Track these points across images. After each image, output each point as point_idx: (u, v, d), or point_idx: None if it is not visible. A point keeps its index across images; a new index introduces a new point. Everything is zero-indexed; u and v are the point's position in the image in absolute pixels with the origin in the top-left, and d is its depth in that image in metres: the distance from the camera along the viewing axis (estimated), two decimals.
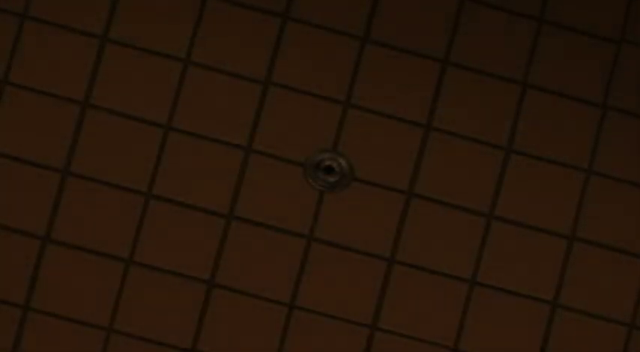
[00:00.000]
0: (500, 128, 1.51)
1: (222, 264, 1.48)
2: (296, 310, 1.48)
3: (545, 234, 1.51)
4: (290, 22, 1.51)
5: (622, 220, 1.52)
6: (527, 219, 1.51)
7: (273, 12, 1.51)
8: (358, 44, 1.51)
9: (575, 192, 1.52)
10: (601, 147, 1.53)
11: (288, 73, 1.50)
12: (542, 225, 1.51)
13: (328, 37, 1.51)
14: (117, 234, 1.47)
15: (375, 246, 1.49)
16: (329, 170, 1.49)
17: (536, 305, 1.51)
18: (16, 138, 1.47)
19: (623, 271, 1.52)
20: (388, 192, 1.49)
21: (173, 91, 1.50)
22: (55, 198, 1.47)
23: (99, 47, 1.50)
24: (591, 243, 1.52)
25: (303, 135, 1.49)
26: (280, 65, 1.50)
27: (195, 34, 1.51)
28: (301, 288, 1.48)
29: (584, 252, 1.52)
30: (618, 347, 1.52)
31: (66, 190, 1.48)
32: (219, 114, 1.49)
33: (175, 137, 1.49)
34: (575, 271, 1.52)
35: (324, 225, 1.49)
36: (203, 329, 1.47)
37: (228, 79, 1.50)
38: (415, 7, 1.51)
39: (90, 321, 1.46)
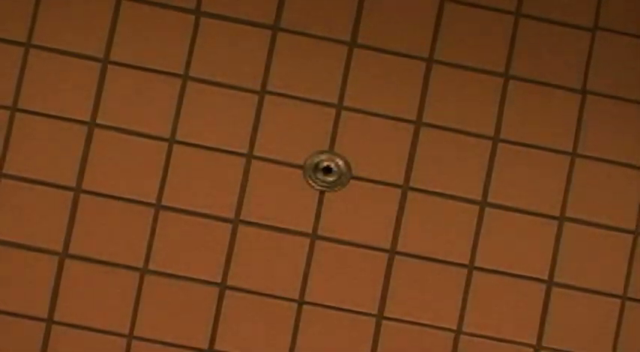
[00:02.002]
0: (486, 119, 1.50)
1: (232, 267, 1.46)
2: (305, 305, 1.46)
3: (536, 217, 1.50)
4: (280, 33, 1.49)
5: (608, 197, 1.51)
6: (518, 203, 1.49)
7: (264, 24, 1.48)
8: (346, 49, 1.49)
9: (562, 174, 1.50)
10: (583, 130, 1.51)
11: (281, 81, 1.48)
12: (533, 208, 1.50)
13: (317, 44, 1.49)
14: (130, 245, 1.45)
15: (376, 239, 1.48)
16: (327, 170, 1.47)
17: (532, 284, 1.49)
18: (29, 162, 1.45)
19: (612, 247, 1.50)
20: (385, 187, 1.49)
21: (174, 106, 1.47)
22: (69, 215, 1.45)
23: (101, 69, 1.47)
24: (580, 222, 1.50)
25: (300, 139, 1.48)
26: (274, 74, 1.48)
27: (192, 51, 1.48)
28: (309, 284, 1.47)
29: (574, 230, 1.50)
30: (613, 318, 1.50)
31: (79, 207, 1.45)
32: (219, 125, 1.47)
33: (180, 150, 1.47)
34: (567, 249, 1.50)
35: (327, 223, 1.48)
36: (219, 329, 1.45)
37: (226, 91, 1.48)
38: (398, 11, 1.50)
39: (111, 329, 1.44)
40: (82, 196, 1.46)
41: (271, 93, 1.48)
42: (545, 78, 1.51)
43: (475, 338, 1.49)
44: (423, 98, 1.50)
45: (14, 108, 1.46)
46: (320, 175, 1.47)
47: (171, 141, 1.47)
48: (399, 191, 1.49)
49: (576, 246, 1.50)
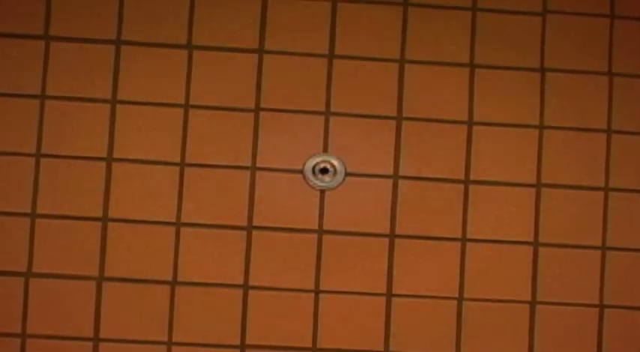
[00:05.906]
0: (459, 106, 1.52)
1: (251, 269, 1.49)
2: (321, 294, 1.49)
3: (516, 187, 1.52)
4: (266, 55, 1.51)
5: (578, 160, 1.53)
6: (498, 176, 1.52)
7: (250, 49, 1.51)
8: (326, 61, 1.51)
9: (533, 146, 1.52)
10: (547, 103, 1.53)
11: (273, 97, 1.50)
12: (512, 179, 1.52)
13: (300, 60, 1.51)
14: (158, 261, 1.48)
15: (375, 226, 1.50)
16: (324, 171, 1.50)
17: (520, 247, 1.51)
18: (58, 200, 1.47)
19: (587, 204, 1.53)
20: (378, 179, 1.51)
21: (180, 133, 1.48)
22: (100, 242, 1.47)
23: (111, 109, 1.48)
24: (555, 186, 1.52)
25: (296, 147, 1.50)
26: (265, 92, 1.50)
27: (189, 81, 1.49)
28: (322, 275, 1.49)
29: (551, 194, 1.52)
30: (596, 268, 1.52)
31: (108, 234, 1.47)
32: (222, 144, 1.49)
33: (190, 171, 1.49)
34: (547, 211, 1.52)
35: (330, 218, 1.50)
36: (247, 325, 1.48)
37: (224, 113, 1.50)
38: (368, 21, 1.52)
39: (152, 339, 1.47)
40: (110, 224, 1.48)
41: (265, 109, 1.51)
42: (506, 62, 1.53)
43: (477, 303, 1.51)
44: (400, 95, 1.52)
45: (38, 154, 1.47)
46: (318, 176, 1.50)
47: (182, 164, 1.49)
48: (390, 181, 1.51)
49: (555, 208, 1.52)
